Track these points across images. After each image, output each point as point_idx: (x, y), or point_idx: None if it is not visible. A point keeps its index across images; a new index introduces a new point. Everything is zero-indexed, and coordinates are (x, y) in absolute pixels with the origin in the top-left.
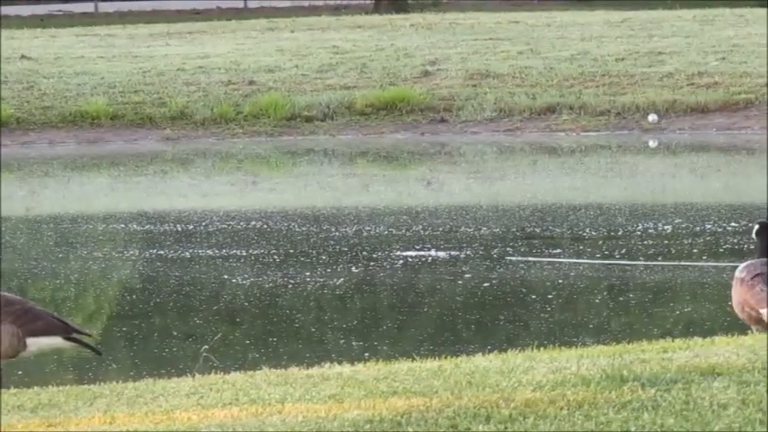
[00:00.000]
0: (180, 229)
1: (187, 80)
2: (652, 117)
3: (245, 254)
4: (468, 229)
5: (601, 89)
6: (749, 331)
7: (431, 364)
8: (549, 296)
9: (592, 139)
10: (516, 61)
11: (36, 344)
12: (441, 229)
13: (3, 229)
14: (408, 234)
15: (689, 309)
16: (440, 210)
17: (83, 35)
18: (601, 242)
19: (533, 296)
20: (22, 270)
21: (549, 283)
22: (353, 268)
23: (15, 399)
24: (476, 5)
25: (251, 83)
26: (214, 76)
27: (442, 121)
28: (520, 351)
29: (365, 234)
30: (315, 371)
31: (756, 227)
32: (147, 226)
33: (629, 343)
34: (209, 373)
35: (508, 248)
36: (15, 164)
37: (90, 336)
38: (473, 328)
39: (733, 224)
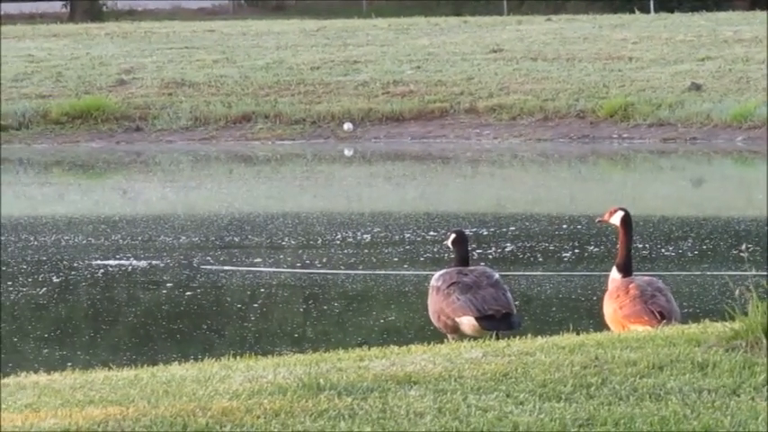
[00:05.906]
0: None
1: None
2: (347, 126)
3: None
4: (167, 239)
5: (296, 98)
6: (445, 340)
7: (127, 372)
8: (249, 305)
9: (287, 147)
10: (212, 70)
11: None
12: (139, 238)
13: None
14: (107, 243)
15: (389, 317)
16: (137, 219)
17: None
18: (300, 251)
19: (232, 305)
20: None
21: (248, 292)
22: (54, 277)
23: None
24: (170, 14)
25: None
26: None
27: (138, 129)
28: (216, 360)
29: (64, 243)
30: (11, 380)
31: (452, 236)
32: None
33: (326, 351)
34: None
35: (207, 257)
36: None
37: None
38: (171, 337)
39: (431, 233)
